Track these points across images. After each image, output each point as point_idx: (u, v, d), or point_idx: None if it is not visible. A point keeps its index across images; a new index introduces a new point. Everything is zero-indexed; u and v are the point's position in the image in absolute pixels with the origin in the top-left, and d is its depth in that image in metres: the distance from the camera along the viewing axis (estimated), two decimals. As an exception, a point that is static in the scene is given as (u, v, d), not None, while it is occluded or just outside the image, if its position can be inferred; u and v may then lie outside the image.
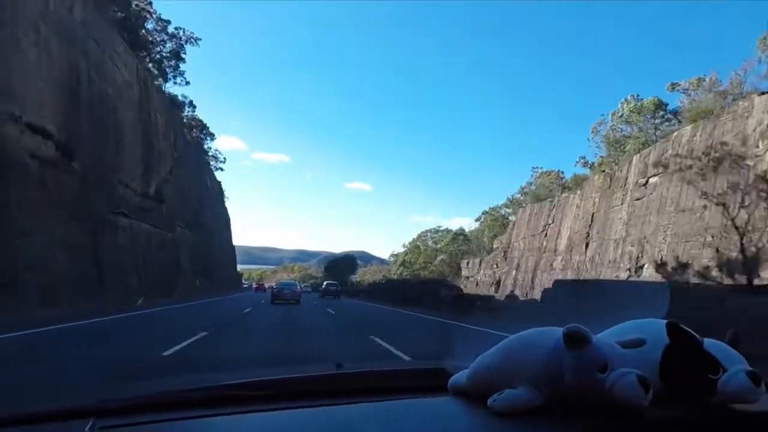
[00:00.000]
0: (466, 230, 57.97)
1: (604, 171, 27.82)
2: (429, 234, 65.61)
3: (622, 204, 24.30)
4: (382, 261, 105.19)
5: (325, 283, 51.04)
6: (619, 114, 30.65)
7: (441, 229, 64.25)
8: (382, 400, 1.09)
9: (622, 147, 29.90)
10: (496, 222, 49.57)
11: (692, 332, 0.94)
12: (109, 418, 0.95)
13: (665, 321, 0.98)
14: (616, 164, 27.82)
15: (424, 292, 27.75)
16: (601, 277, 25.19)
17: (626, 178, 24.74)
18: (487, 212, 52.86)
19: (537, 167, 45.48)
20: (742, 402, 0.91)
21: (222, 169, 63.69)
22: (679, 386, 0.93)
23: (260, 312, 18.00)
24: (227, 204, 70.97)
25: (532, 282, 31.90)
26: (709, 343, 0.94)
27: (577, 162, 37.57)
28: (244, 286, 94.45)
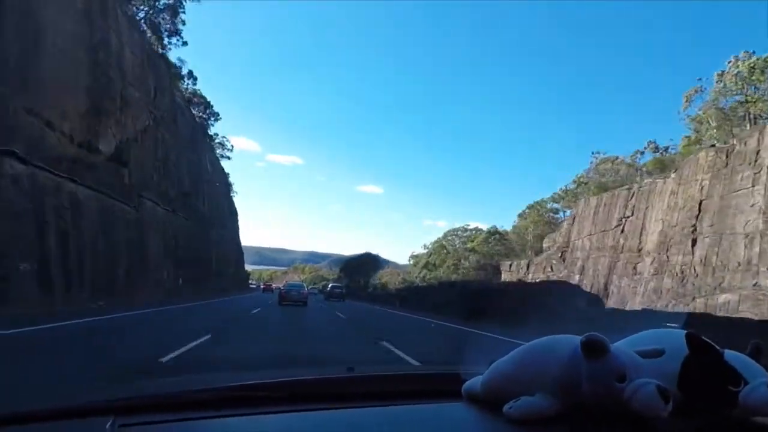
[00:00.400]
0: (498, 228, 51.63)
1: (713, 146, 20.83)
2: (457, 234, 59.21)
3: (753, 186, 17.51)
4: (395, 265, 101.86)
5: (330, 285, 51.02)
6: (732, 74, 23.45)
7: (470, 228, 57.90)
8: (395, 405, 1.14)
9: (734, 116, 22.95)
10: (541, 219, 42.61)
11: (712, 343, 0.97)
12: (129, 416, 1.00)
13: (685, 331, 0.99)
14: (732, 137, 20.79)
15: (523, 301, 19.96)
16: (724, 285, 18.42)
17: (757, 152, 17.80)
18: (532, 206, 45.86)
19: (597, 152, 38.41)
20: (763, 415, 0.94)
21: (229, 158, 63.05)
22: (698, 398, 0.96)
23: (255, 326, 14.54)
24: (235, 199, 66.58)
25: (606, 288, 25.25)
26: (730, 355, 0.97)
27: (645, 148, 30.68)
28: (252, 286, 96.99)
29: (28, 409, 1.03)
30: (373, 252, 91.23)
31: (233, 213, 69.42)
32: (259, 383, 1.21)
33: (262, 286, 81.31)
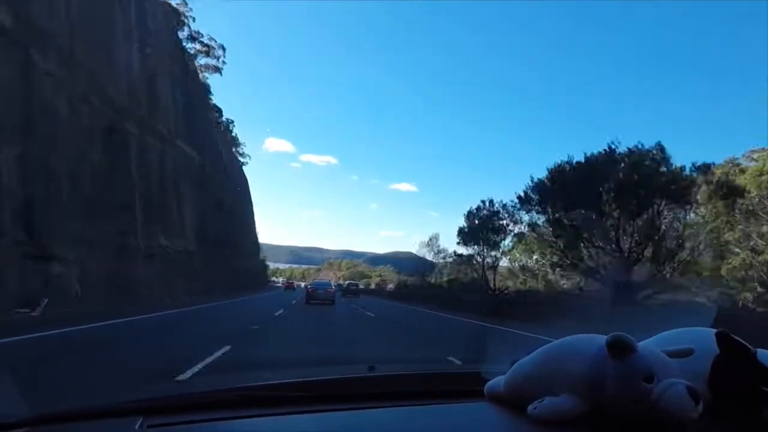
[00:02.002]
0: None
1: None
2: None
3: None
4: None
5: (347, 283, 56.48)
6: None
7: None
8: (416, 405, 1.15)
9: None
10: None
11: (744, 342, 0.95)
12: (158, 416, 1.03)
13: (714, 330, 0.98)
14: None
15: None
16: None
17: None
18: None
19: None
20: None
21: (243, 155, 62.99)
22: (729, 399, 0.94)
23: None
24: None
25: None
26: (763, 354, 0.95)
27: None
28: (277, 285, 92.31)
29: (59, 409, 1.06)
30: (408, 250, 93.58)
31: (250, 212, 69.61)
32: (283, 383, 1.24)
33: (284, 285, 76.49)
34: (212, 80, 50.40)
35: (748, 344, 0.95)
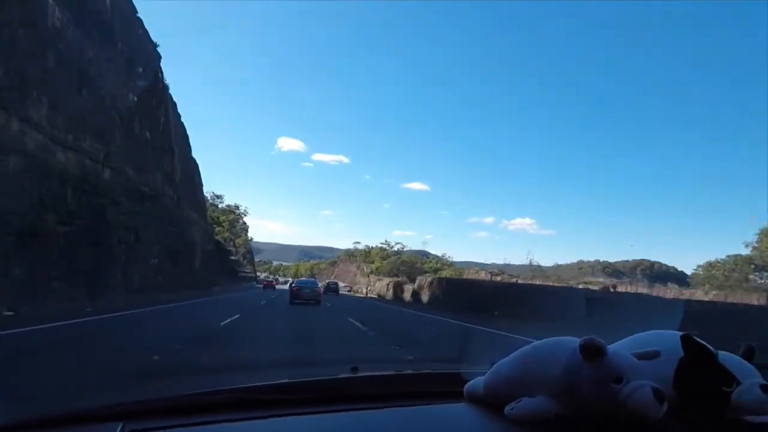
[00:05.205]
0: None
1: None
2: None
3: None
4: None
5: (328, 282, 56.83)
6: None
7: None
8: (398, 406, 1.16)
9: None
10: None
11: (707, 345, 1.00)
12: (140, 420, 1.01)
13: (680, 333, 1.02)
14: None
15: None
16: None
17: None
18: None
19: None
20: (756, 414, 0.97)
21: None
22: (693, 398, 0.99)
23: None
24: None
25: None
26: (724, 356, 1.00)
27: None
28: (257, 283, 79.49)
29: (37, 414, 1.03)
30: (422, 249, 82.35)
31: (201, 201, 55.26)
32: (266, 385, 1.23)
33: (263, 284, 62.84)
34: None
35: (710, 347, 1.00)
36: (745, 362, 1.01)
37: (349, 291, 64.30)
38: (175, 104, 42.60)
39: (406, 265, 61.67)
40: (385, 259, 68.89)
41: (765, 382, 0.96)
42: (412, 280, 41.42)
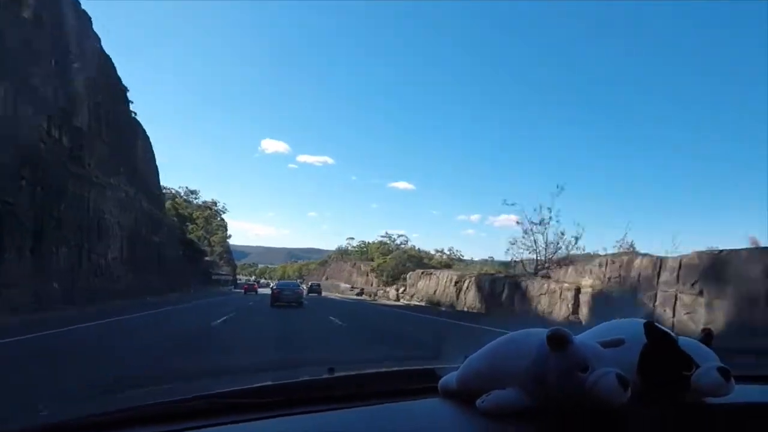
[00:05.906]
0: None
1: None
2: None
3: None
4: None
5: (310, 283, 58.54)
6: None
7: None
8: (374, 404, 1.18)
9: None
10: None
11: (668, 331, 1.04)
12: (114, 431, 0.99)
13: (643, 321, 1.06)
14: None
15: None
16: None
17: None
18: None
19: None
20: (714, 396, 1.00)
21: None
22: (656, 383, 1.03)
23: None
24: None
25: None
26: (684, 341, 1.04)
27: None
28: (235, 288, 76.31)
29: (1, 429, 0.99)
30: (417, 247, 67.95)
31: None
32: (240, 389, 1.22)
33: (243, 288, 59.55)
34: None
35: (671, 333, 1.04)
36: (703, 346, 1.04)
37: (359, 295, 52.87)
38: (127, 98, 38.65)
39: (413, 260, 52.24)
40: (386, 255, 59.89)
41: (722, 365, 0.99)
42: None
